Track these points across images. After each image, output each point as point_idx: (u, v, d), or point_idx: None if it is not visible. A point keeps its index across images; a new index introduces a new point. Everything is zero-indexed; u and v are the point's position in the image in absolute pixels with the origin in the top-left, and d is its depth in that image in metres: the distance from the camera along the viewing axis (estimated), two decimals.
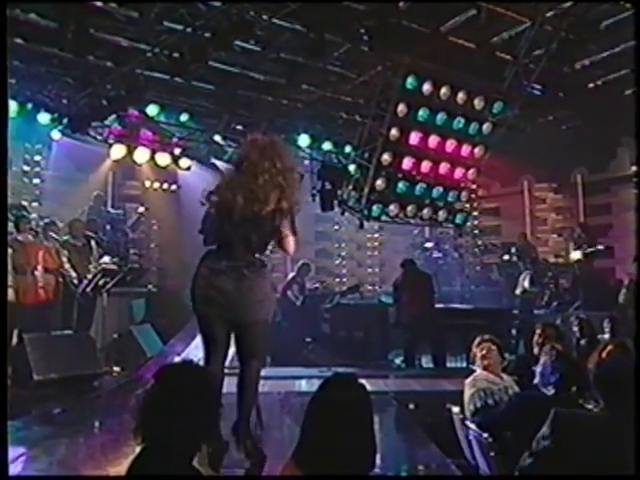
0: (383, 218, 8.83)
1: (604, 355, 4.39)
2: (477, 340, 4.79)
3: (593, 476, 2.60)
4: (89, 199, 10.68)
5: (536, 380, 3.84)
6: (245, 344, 4.14)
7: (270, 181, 3.93)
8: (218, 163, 11.19)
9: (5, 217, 6.78)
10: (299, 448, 2.18)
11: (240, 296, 3.98)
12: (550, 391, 3.64)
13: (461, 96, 8.14)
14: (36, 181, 10.65)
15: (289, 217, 4.02)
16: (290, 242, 4.04)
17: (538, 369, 3.84)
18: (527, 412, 3.56)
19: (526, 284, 10.66)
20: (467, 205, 9.79)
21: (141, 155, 10.10)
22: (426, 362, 9.36)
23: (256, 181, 3.93)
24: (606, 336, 7.06)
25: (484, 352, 4.63)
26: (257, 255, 4.07)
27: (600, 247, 10.83)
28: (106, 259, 8.67)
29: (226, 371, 4.18)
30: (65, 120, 8.39)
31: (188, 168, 11.30)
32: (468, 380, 4.56)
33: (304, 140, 10.47)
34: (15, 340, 6.65)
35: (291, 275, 10.81)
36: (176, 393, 2.16)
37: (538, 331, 5.29)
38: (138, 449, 2.16)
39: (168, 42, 7.17)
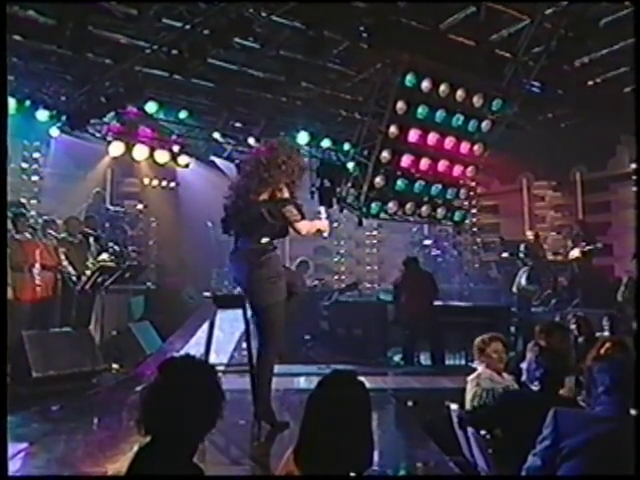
0: (382, 215, 8.83)
1: (602, 352, 4.40)
2: (486, 337, 4.73)
3: (594, 476, 2.60)
4: (88, 196, 10.67)
5: (523, 377, 3.86)
6: (256, 328, 4.69)
7: (255, 175, 4.55)
8: (217, 160, 11.19)
9: (4, 216, 6.78)
10: (299, 445, 2.18)
11: (241, 282, 4.67)
12: (536, 387, 3.66)
13: (460, 93, 8.13)
14: (35, 178, 10.65)
15: (289, 204, 4.52)
16: (298, 225, 4.52)
17: (524, 366, 3.86)
18: (514, 409, 3.58)
19: (522, 281, 10.65)
20: (466, 203, 9.81)
21: (140, 152, 10.08)
22: (425, 359, 9.37)
23: (240, 176, 4.72)
24: (605, 334, 7.06)
25: (491, 352, 4.60)
26: (259, 242, 4.51)
27: (599, 245, 10.83)
28: (104, 256, 8.66)
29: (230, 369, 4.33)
30: (64, 117, 8.35)
31: (187, 165, 11.30)
32: (471, 377, 4.55)
33: (303, 137, 10.45)
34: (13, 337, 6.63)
35: None
36: (179, 386, 2.18)
37: (543, 331, 5.06)
38: (136, 446, 2.17)
39: (167, 39, 7.16)
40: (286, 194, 4.63)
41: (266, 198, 4.55)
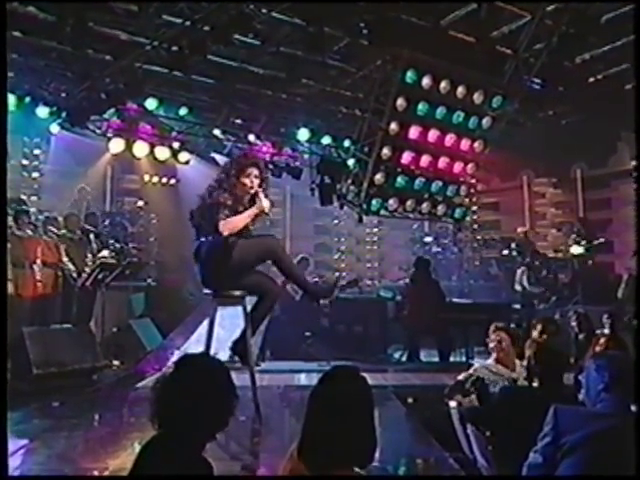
0: (382, 212, 8.81)
1: (599, 349, 4.42)
2: (492, 328, 4.79)
3: (594, 476, 2.60)
4: (88, 193, 10.70)
5: (524, 374, 3.89)
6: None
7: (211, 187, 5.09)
8: (217, 157, 11.18)
9: (5, 214, 6.78)
10: (302, 440, 2.18)
11: (210, 276, 4.87)
12: (536, 383, 3.68)
13: (461, 90, 8.11)
14: (35, 175, 10.65)
15: (219, 207, 4.82)
16: (219, 224, 4.73)
17: (524, 363, 3.89)
18: (514, 405, 3.59)
19: (525, 283, 10.66)
20: (466, 199, 9.77)
21: (140, 149, 10.08)
22: (425, 356, 9.38)
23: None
24: (605, 331, 7.08)
25: (494, 343, 4.64)
26: (214, 234, 4.74)
27: (601, 239, 10.83)
28: (105, 253, 8.67)
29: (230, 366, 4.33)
30: (64, 114, 8.35)
31: (187, 162, 11.29)
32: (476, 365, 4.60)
33: (303, 134, 10.45)
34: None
35: None
36: (196, 383, 2.20)
37: (539, 327, 5.21)
38: (137, 442, 2.18)
39: (167, 36, 7.14)
40: (223, 198, 4.86)
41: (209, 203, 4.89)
